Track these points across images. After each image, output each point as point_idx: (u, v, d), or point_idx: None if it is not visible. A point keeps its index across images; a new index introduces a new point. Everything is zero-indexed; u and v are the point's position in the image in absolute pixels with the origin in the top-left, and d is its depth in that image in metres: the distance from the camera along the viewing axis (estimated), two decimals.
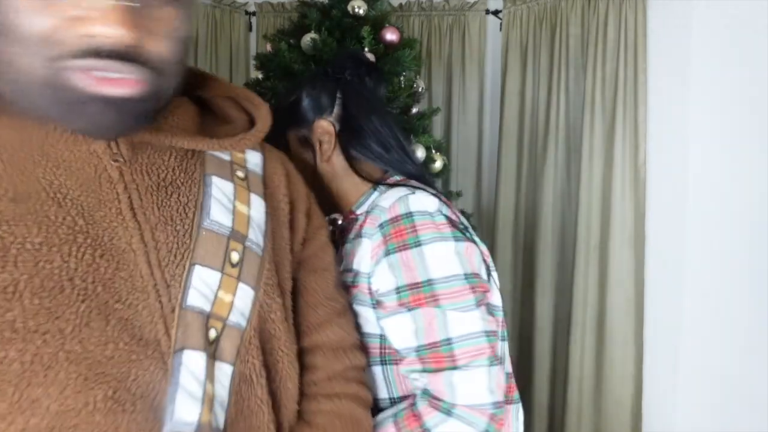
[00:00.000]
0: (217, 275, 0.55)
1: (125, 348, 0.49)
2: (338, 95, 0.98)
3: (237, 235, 0.58)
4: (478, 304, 0.81)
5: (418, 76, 1.81)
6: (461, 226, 0.86)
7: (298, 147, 0.98)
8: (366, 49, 1.65)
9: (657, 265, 2.17)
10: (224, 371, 0.54)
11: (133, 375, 0.49)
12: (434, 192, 0.88)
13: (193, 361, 0.51)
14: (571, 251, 2.25)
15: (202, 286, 0.54)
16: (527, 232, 2.40)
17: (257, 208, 0.61)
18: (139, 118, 0.51)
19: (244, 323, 0.57)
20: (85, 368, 0.47)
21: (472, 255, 0.83)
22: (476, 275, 0.82)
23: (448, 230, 0.82)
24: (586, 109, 2.19)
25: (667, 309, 2.18)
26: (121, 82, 0.47)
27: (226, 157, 0.62)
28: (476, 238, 0.89)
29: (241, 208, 0.59)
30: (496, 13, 2.40)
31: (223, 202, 0.58)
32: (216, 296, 0.55)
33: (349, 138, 0.96)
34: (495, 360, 0.80)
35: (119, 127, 0.51)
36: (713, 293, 2.12)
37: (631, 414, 2.15)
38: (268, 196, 0.64)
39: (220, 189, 0.59)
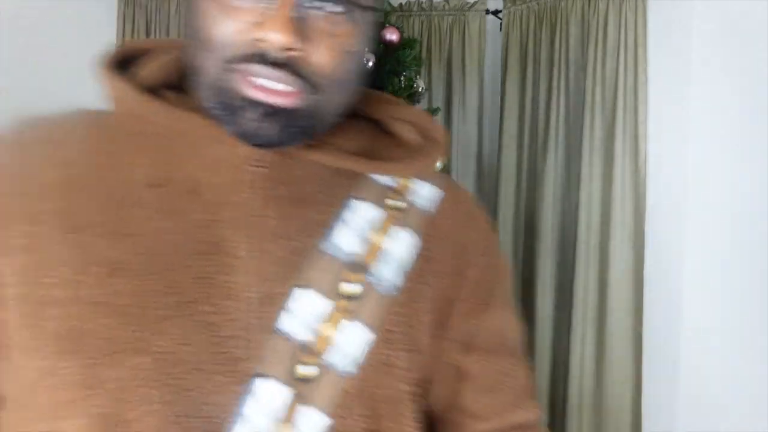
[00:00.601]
0: (322, 304, 0.48)
1: (198, 356, 0.45)
2: None
3: (357, 266, 0.50)
4: None
5: (418, 76, 1.81)
6: None
7: None
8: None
9: (657, 265, 2.17)
10: (312, 419, 0.46)
11: (200, 387, 0.44)
12: None
13: (269, 394, 0.45)
14: (571, 251, 2.25)
15: (301, 312, 0.47)
16: (527, 232, 2.40)
17: (402, 243, 0.53)
18: (294, 134, 0.48)
19: (350, 369, 0.48)
20: (152, 362, 0.43)
21: None
22: None
23: None
24: (586, 109, 2.19)
25: (667, 309, 2.18)
26: (277, 93, 0.46)
27: (388, 183, 0.55)
28: None
29: (376, 238, 0.52)
30: (496, 13, 2.40)
31: (355, 228, 0.51)
32: (315, 328, 0.48)
33: None
34: None
35: (272, 138, 0.47)
36: (713, 293, 2.11)
37: (631, 414, 2.15)
38: (431, 239, 0.55)
39: (360, 214, 0.52)
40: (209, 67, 0.47)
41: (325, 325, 0.48)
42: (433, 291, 0.53)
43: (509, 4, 2.36)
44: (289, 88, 0.46)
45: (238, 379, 0.45)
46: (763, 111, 2.04)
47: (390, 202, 0.54)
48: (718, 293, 2.11)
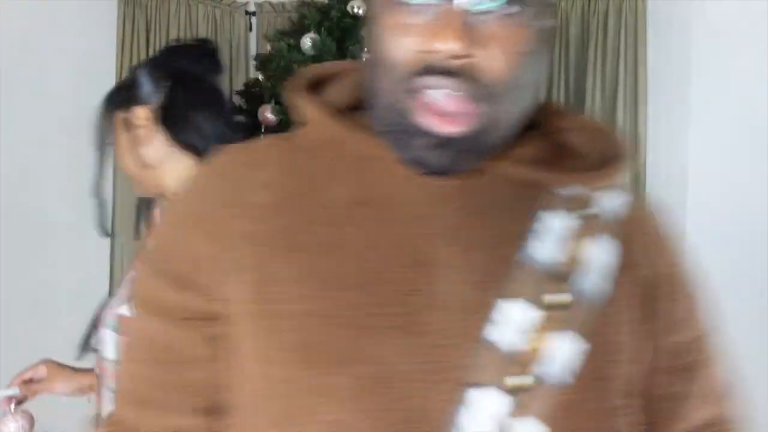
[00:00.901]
0: (528, 314, 0.48)
1: (413, 365, 0.45)
2: (167, 84, 1.01)
3: (560, 276, 0.49)
4: None
5: None
6: None
7: (122, 129, 1.03)
8: (366, 49, 1.65)
9: None
10: (530, 430, 0.45)
11: (417, 396, 0.45)
12: None
13: (484, 403, 0.45)
14: None
15: (507, 322, 0.47)
16: None
17: (603, 249, 0.51)
18: (466, 159, 0.48)
19: (566, 379, 0.47)
20: (374, 371, 0.45)
21: None
22: None
23: None
24: (586, 109, 2.19)
25: None
26: (450, 119, 0.45)
27: (571, 193, 0.53)
28: None
29: (574, 246, 0.51)
30: None
31: (550, 238, 0.50)
32: (522, 338, 0.47)
33: (172, 128, 1.00)
34: None
35: (444, 167, 0.48)
36: (712, 293, 2.11)
37: None
38: (630, 244, 0.53)
39: (552, 224, 0.51)
40: (385, 88, 0.48)
41: (533, 336, 0.47)
42: (640, 297, 0.52)
43: None
44: (462, 102, 0.45)
45: (452, 388, 0.45)
46: (762, 111, 2.04)
47: (580, 211, 0.52)
48: (718, 293, 2.11)
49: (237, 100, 1.92)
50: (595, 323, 0.48)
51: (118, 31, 2.44)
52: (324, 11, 1.73)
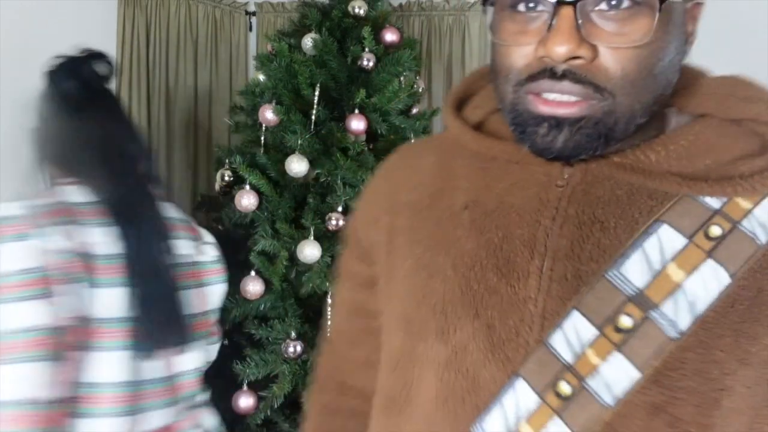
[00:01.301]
0: (593, 332, 0.48)
1: (480, 349, 0.52)
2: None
3: (642, 300, 0.48)
4: (32, 297, 0.86)
5: (418, 77, 1.82)
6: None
7: None
8: (366, 49, 1.65)
9: None
10: None
11: (478, 373, 0.51)
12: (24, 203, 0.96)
13: (523, 397, 0.49)
14: None
15: (573, 334, 0.49)
16: None
17: (706, 280, 0.47)
18: (584, 141, 0.49)
19: (608, 400, 0.47)
20: (450, 352, 0.54)
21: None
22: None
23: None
24: None
25: None
26: (564, 104, 0.48)
27: (715, 204, 0.49)
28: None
29: (674, 272, 0.48)
30: None
31: (651, 258, 0.48)
32: (582, 352, 0.48)
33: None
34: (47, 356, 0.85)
35: (563, 148, 0.49)
36: None
37: None
38: (753, 280, 0.47)
39: (662, 242, 0.49)
40: (506, 93, 0.52)
41: (590, 350, 0.48)
42: (746, 344, 0.46)
43: None
44: (573, 98, 0.48)
45: (506, 375, 0.50)
46: None
47: (711, 228, 0.48)
48: None
49: (237, 100, 1.93)
50: (657, 355, 0.47)
51: (118, 31, 2.44)
52: (324, 11, 1.73)
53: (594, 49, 0.47)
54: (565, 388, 0.48)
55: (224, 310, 1.52)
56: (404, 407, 0.56)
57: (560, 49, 0.46)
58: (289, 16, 2.41)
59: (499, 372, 0.50)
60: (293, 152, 1.55)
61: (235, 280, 1.37)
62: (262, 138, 1.67)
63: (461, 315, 0.53)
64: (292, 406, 1.51)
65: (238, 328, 1.56)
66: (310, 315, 1.57)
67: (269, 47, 1.74)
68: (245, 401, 1.46)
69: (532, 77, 0.49)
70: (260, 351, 1.50)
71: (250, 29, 2.54)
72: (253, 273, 1.51)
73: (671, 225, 0.49)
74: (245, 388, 1.47)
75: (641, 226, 0.50)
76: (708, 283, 0.47)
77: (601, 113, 0.48)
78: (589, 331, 0.48)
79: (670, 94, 0.53)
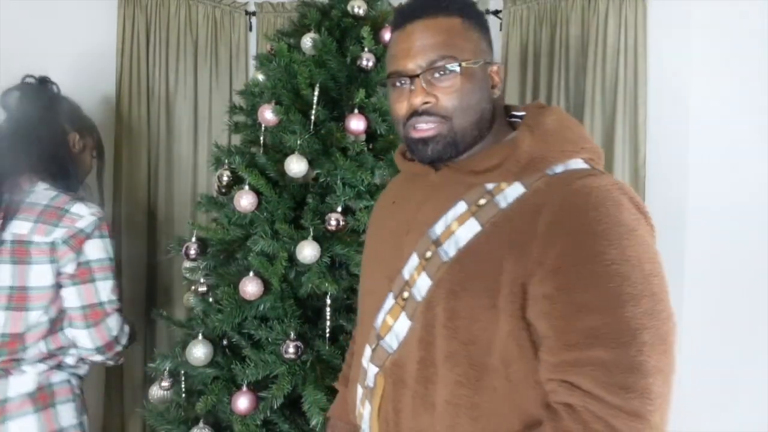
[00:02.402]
0: (416, 261, 0.90)
1: (380, 278, 0.97)
2: None
3: (437, 242, 0.88)
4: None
5: None
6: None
7: None
8: (366, 49, 1.65)
9: None
10: (403, 320, 0.90)
11: (378, 282, 1.00)
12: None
13: (388, 302, 0.94)
14: None
15: (411, 264, 0.91)
16: None
17: (468, 229, 0.85)
18: (440, 149, 0.88)
19: (419, 299, 0.88)
20: (369, 283, 1.06)
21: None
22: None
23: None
24: (586, 109, 2.19)
25: None
26: (425, 130, 0.88)
27: (490, 185, 0.87)
28: None
29: (453, 226, 0.87)
30: (496, 13, 2.40)
31: (447, 219, 0.88)
32: (411, 275, 0.90)
33: None
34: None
35: (432, 156, 0.89)
36: (713, 293, 2.11)
37: None
38: (494, 228, 0.83)
39: (456, 210, 0.88)
40: (400, 130, 0.92)
41: (415, 272, 0.89)
42: (484, 263, 0.82)
43: (509, 4, 2.36)
44: (430, 125, 0.87)
45: (389, 282, 0.94)
46: (763, 111, 2.04)
47: (481, 201, 0.86)
48: (718, 293, 2.11)
49: (237, 100, 1.92)
50: (439, 272, 0.86)
51: (118, 31, 2.44)
52: (324, 11, 1.73)
53: (435, 96, 0.86)
54: (405, 294, 0.90)
55: (222, 311, 1.51)
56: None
57: (418, 100, 0.86)
58: (288, 16, 2.41)
59: (385, 288, 0.94)
60: (292, 152, 1.55)
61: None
62: (262, 138, 1.66)
63: (386, 247, 0.99)
64: (292, 406, 1.51)
65: (238, 329, 1.55)
66: (309, 315, 1.56)
67: (269, 47, 1.74)
68: (245, 402, 1.46)
69: (408, 117, 0.88)
70: (259, 351, 1.50)
71: (250, 29, 2.54)
72: (252, 273, 1.51)
73: (465, 200, 0.88)
74: (244, 388, 1.47)
75: (452, 202, 0.88)
76: (468, 231, 0.85)
77: (446, 131, 0.87)
78: (415, 261, 0.90)
79: (490, 119, 0.92)
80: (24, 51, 2.48)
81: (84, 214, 1.41)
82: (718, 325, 2.11)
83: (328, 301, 1.51)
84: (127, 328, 1.49)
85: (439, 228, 0.87)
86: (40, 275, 1.37)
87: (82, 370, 1.50)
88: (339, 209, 1.53)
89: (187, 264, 1.71)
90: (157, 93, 2.47)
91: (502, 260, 0.80)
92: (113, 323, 1.43)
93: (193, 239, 1.66)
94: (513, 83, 2.36)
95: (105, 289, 1.43)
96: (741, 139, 2.07)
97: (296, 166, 1.53)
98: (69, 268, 1.39)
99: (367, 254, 1.07)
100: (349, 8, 1.70)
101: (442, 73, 0.85)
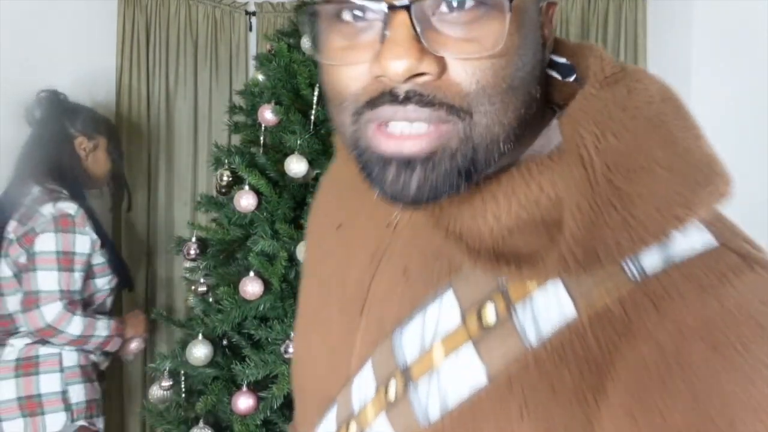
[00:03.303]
0: (373, 388, 0.46)
1: (324, 363, 0.54)
2: None
3: (407, 373, 0.43)
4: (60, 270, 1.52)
5: None
6: None
7: None
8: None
9: None
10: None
11: (339, 344, 0.54)
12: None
13: (330, 425, 0.51)
14: None
15: (362, 386, 0.47)
16: None
17: (462, 368, 0.41)
18: (449, 178, 0.40)
19: None
20: (320, 338, 0.56)
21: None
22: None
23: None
24: None
25: None
26: (413, 137, 0.39)
27: (519, 283, 0.41)
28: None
29: (436, 353, 0.42)
30: None
31: (425, 328, 0.43)
32: (363, 406, 0.47)
33: None
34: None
35: (423, 192, 0.40)
36: None
37: None
38: (524, 383, 0.38)
39: (441, 308, 0.43)
40: (344, 124, 0.42)
41: (370, 407, 0.47)
42: None
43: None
44: (422, 127, 0.38)
45: (333, 386, 0.52)
46: (763, 111, 2.04)
47: (487, 309, 0.41)
48: None
49: (237, 100, 1.92)
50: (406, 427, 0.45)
51: (118, 31, 2.44)
52: None
53: (440, 61, 0.38)
54: (351, 430, 0.48)
55: (222, 311, 1.51)
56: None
57: (398, 65, 0.36)
58: (288, 16, 2.41)
59: (327, 391, 0.52)
60: (292, 152, 1.55)
61: None
62: (262, 138, 1.66)
63: (330, 315, 0.55)
64: (292, 406, 1.51)
65: (238, 329, 1.55)
66: None
67: (269, 47, 1.74)
68: (245, 402, 1.46)
69: (371, 103, 0.39)
70: (260, 351, 1.50)
71: (250, 29, 2.54)
72: (252, 273, 1.51)
73: (456, 293, 0.43)
74: (245, 388, 1.47)
75: (436, 285, 0.44)
76: (462, 374, 0.41)
77: (457, 141, 0.39)
78: (371, 387, 0.46)
79: (531, 115, 0.43)
80: (24, 51, 2.48)
81: (45, 213, 1.56)
82: None
83: None
84: (78, 320, 1.55)
85: (409, 343, 0.44)
86: (3, 267, 1.61)
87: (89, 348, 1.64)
88: None
89: (187, 264, 1.71)
90: (157, 93, 2.47)
91: None
92: (48, 312, 1.50)
93: (193, 239, 1.66)
94: None
95: (46, 279, 1.52)
96: (741, 139, 2.07)
97: (296, 166, 1.53)
98: (21, 260, 1.57)
99: (304, 312, 0.60)
100: None
101: (465, 5, 0.38)
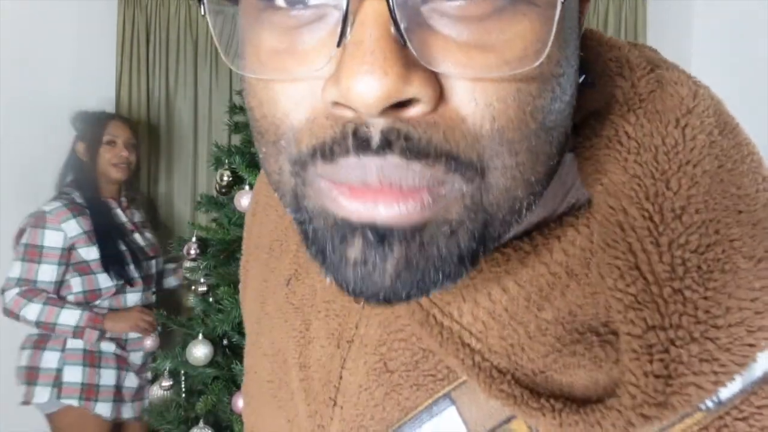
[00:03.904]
0: None
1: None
2: None
3: None
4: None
5: None
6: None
7: None
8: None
9: None
10: None
11: None
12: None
13: None
14: None
15: None
16: None
17: None
18: (443, 265, 0.25)
19: None
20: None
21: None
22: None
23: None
24: None
25: None
26: (394, 193, 0.23)
27: (517, 392, 0.28)
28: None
29: None
30: None
31: None
32: None
33: None
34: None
35: (402, 285, 0.25)
36: None
37: None
38: None
39: (440, 428, 0.31)
40: (278, 172, 0.27)
41: None
42: None
43: None
44: (414, 183, 0.23)
45: None
46: (763, 111, 2.04)
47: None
48: None
49: (237, 100, 1.92)
50: None
51: (118, 31, 2.44)
52: None
53: (437, 81, 0.23)
54: None
55: (222, 311, 1.51)
56: None
57: (368, 88, 0.21)
58: None
59: None
60: None
61: None
62: None
63: (275, 413, 0.42)
64: None
65: (238, 329, 1.55)
66: None
67: None
68: None
69: (325, 150, 0.24)
70: None
71: None
72: None
73: (459, 410, 0.31)
74: None
75: (430, 394, 0.32)
76: None
77: (460, 210, 0.24)
78: None
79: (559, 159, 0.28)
80: (24, 51, 2.48)
81: (33, 212, 1.75)
82: None
83: None
84: (34, 307, 1.65)
85: None
86: None
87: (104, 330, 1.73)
88: None
89: (187, 264, 1.71)
90: (157, 93, 2.47)
91: None
92: (7, 297, 1.67)
93: (193, 239, 1.66)
94: None
95: (12, 269, 1.70)
96: None
97: None
98: None
99: (256, 382, 0.45)
100: None
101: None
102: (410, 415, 0.32)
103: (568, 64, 0.26)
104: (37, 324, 1.65)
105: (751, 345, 0.25)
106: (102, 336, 1.71)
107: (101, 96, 2.48)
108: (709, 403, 0.26)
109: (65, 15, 2.48)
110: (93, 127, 1.90)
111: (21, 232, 1.73)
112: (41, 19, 2.48)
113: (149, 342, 1.82)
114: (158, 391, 1.62)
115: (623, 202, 0.27)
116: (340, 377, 0.36)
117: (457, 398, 0.31)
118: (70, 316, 1.66)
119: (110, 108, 2.46)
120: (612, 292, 0.26)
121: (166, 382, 1.60)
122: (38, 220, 1.71)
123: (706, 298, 0.25)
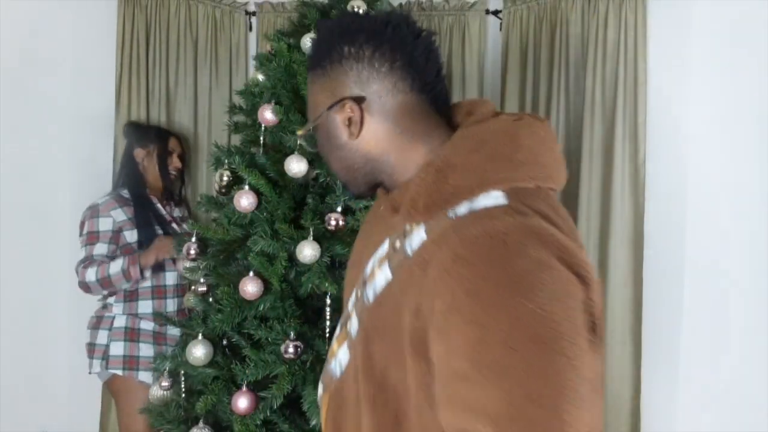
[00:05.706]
0: (354, 297, 0.85)
1: (346, 302, 0.90)
2: None
3: (365, 282, 0.82)
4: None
5: None
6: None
7: None
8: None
9: (656, 264, 2.17)
10: (344, 350, 0.85)
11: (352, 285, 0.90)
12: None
13: (338, 331, 0.90)
14: None
15: (352, 299, 0.86)
16: None
17: (382, 274, 0.78)
18: (353, 189, 0.86)
19: (354, 332, 0.83)
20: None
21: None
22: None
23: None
24: (586, 109, 2.19)
25: (666, 309, 2.18)
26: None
27: (408, 225, 0.76)
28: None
29: (375, 269, 0.80)
30: (496, 13, 2.40)
31: (375, 259, 0.81)
32: (351, 309, 0.86)
33: None
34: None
35: (354, 194, 0.90)
36: (712, 293, 2.11)
37: (630, 414, 2.15)
38: (399, 276, 0.74)
39: (381, 250, 0.81)
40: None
41: (353, 309, 0.84)
42: (391, 313, 0.73)
43: (509, 4, 2.36)
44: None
45: (347, 317, 0.87)
46: (762, 111, 2.04)
47: (397, 243, 0.77)
48: (717, 293, 2.11)
49: (237, 100, 1.92)
50: (363, 314, 0.80)
51: (118, 31, 2.44)
52: (323, 11, 1.73)
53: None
54: (347, 325, 0.85)
55: (222, 311, 1.52)
56: None
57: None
58: (288, 16, 2.41)
59: (349, 302, 0.88)
60: (292, 152, 1.55)
61: None
62: (262, 138, 1.66)
63: (353, 266, 0.93)
64: (292, 406, 1.51)
65: (238, 329, 1.55)
66: (309, 315, 1.56)
67: (269, 47, 1.74)
68: (244, 402, 1.46)
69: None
70: (259, 351, 1.50)
71: (250, 29, 2.54)
72: (252, 273, 1.51)
73: (389, 240, 0.79)
74: (244, 388, 1.47)
75: (382, 239, 0.81)
76: (382, 277, 0.78)
77: (336, 173, 0.88)
78: (353, 297, 0.85)
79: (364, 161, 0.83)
80: (24, 51, 2.48)
81: (90, 205, 2.13)
82: (717, 324, 2.11)
83: (328, 301, 1.51)
84: (91, 270, 2.02)
85: (368, 268, 0.82)
86: None
87: (142, 308, 2.12)
88: (339, 209, 1.53)
89: (187, 264, 1.71)
90: (157, 93, 2.47)
91: (401, 315, 0.70)
92: (78, 274, 2.04)
93: (193, 239, 1.66)
94: (513, 83, 2.36)
95: (81, 254, 2.09)
96: (741, 139, 2.07)
97: (296, 166, 1.53)
98: None
99: (354, 250, 0.98)
100: (349, 8, 1.70)
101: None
102: (375, 249, 0.82)
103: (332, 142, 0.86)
104: (98, 281, 2.00)
105: (470, 188, 0.71)
106: (142, 274, 2.03)
107: (101, 95, 2.48)
108: (453, 216, 0.69)
109: (65, 15, 2.48)
110: (159, 140, 2.25)
111: (82, 224, 2.10)
112: (41, 18, 2.48)
113: (180, 265, 2.11)
114: (158, 392, 1.62)
115: (421, 169, 0.76)
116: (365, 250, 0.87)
117: (390, 235, 0.80)
118: (115, 266, 2.01)
119: (111, 108, 2.46)
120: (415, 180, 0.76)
121: (166, 383, 1.60)
122: (93, 212, 2.09)
123: (452, 172, 0.72)
